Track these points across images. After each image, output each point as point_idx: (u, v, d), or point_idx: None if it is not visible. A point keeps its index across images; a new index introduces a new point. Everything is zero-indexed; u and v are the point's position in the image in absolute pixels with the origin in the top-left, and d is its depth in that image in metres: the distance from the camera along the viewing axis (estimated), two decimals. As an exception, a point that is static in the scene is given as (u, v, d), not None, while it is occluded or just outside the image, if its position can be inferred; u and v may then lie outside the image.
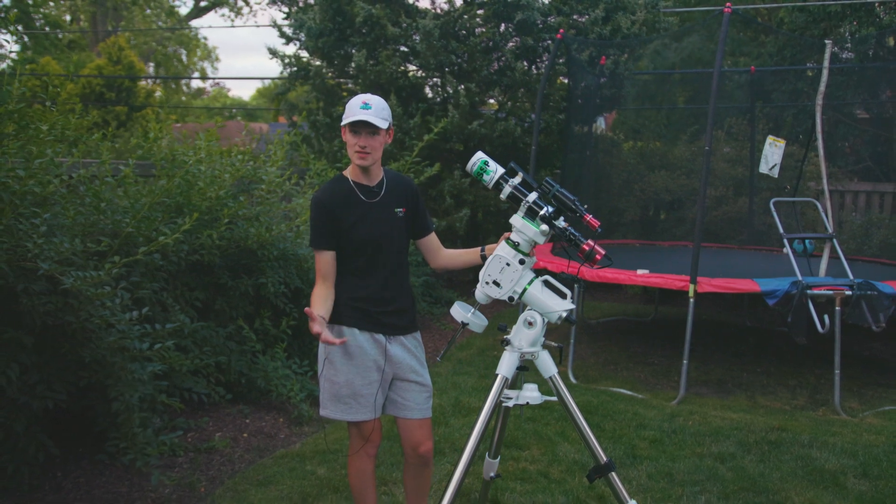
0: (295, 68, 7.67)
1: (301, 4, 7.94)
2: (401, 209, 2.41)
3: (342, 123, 2.32)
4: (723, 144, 8.25)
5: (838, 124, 7.79)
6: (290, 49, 23.37)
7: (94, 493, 3.01)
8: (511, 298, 2.19)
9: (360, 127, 2.28)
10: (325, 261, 2.34)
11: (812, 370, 5.22)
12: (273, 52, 7.68)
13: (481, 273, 2.20)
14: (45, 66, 14.04)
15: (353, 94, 7.71)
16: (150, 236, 3.33)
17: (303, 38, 7.50)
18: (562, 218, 2.15)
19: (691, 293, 4.48)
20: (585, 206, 2.15)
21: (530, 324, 2.17)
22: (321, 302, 2.30)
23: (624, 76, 7.72)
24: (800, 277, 4.42)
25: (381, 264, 2.37)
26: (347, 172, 2.41)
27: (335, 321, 2.36)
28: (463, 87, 7.07)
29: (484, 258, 2.40)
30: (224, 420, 3.84)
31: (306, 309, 2.18)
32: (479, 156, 2.19)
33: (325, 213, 2.32)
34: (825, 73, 5.18)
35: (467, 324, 2.19)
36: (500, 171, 2.18)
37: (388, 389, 2.42)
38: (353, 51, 7.15)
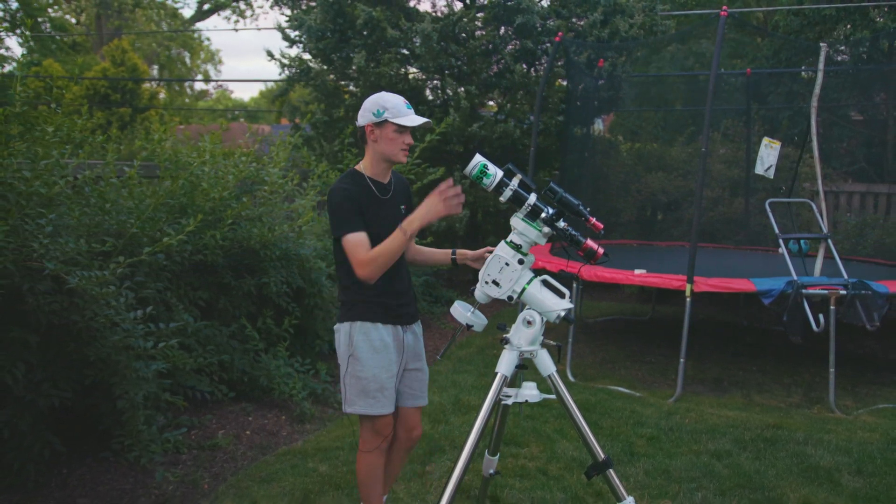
0: (294, 70, 7.70)
1: (304, 7, 7.98)
2: (403, 206, 2.50)
3: (391, 120, 2.33)
4: (719, 146, 8.31)
5: (833, 126, 7.85)
6: (293, 52, 23.44)
7: (99, 489, 3.04)
8: (510, 298, 2.22)
9: (409, 126, 2.37)
10: (365, 238, 2.29)
11: (807, 368, 5.27)
12: (270, 55, 7.72)
13: (481, 273, 2.24)
14: (48, 67, 14.11)
15: (353, 95, 7.77)
16: (154, 237, 3.37)
17: (304, 40, 7.54)
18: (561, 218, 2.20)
19: (688, 293, 4.53)
20: (588, 209, 2.19)
21: (529, 323, 2.21)
22: None
23: (622, 78, 7.77)
24: (795, 277, 4.47)
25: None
26: (363, 168, 2.43)
27: (356, 318, 2.39)
28: (463, 89, 7.12)
29: (454, 262, 2.55)
30: (227, 418, 3.88)
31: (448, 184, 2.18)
32: (478, 159, 2.19)
33: (353, 201, 2.34)
34: (820, 75, 5.24)
35: (471, 325, 2.22)
36: (500, 173, 2.20)
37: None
38: (353, 53, 7.19)
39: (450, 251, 2.58)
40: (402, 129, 2.36)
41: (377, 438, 2.44)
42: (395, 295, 2.43)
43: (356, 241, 2.28)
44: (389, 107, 2.34)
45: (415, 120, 2.36)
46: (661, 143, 9.30)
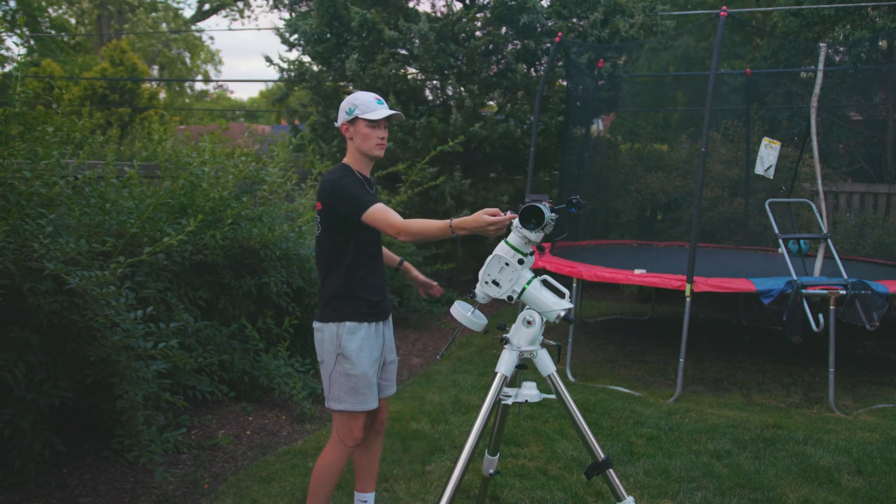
0: (293, 73, 7.72)
1: (303, 9, 7.98)
2: None
3: (361, 117, 2.42)
4: (719, 146, 8.32)
5: (832, 126, 7.86)
6: (292, 55, 23.48)
7: (100, 489, 3.04)
8: (510, 297, 2.23)
9: (382, 120, 2.43)
10: (385, 206, 2.33)
11: (807, 368, 5.28)
12: (269, 60, 7.74)
13: (481, 272, 2.25)
14: (47, 67, 14.14)
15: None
16: (154, 237, 3.37)
17: (302, 44, 7.56)
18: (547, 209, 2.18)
19: (688, 292, 4.54)
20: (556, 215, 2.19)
21: (529, 322, 2.22)
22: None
23: (622, 79, 7.78)
24: (795, 277, 4.48)
25: (378, 251, 2.54)
26: (350, 163, 2.50)
27: (344, 318, 2.42)
28: (463, 89, 7.12)
29: (397, 270, 2.75)
30: (227, 417, 3.88)
31: (505, 215, 2.13)
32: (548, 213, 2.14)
33: (358, 181, 2.42)
34: (819, 75, 5.25)
35: (486, 331, 2.25)
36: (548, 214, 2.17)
37: None
38: (352, 55, 7.19)
39: (399, 258, 2.74)
40: (373, 123, 2.43)
41: (352, 437, 2.48)
42: (378, 290, 2.50)
43: (384, 208, 2.32)
44: (359, 104, 2.44)
45: (382, 113, 2.43)
46: (660, 143, 9.30)
